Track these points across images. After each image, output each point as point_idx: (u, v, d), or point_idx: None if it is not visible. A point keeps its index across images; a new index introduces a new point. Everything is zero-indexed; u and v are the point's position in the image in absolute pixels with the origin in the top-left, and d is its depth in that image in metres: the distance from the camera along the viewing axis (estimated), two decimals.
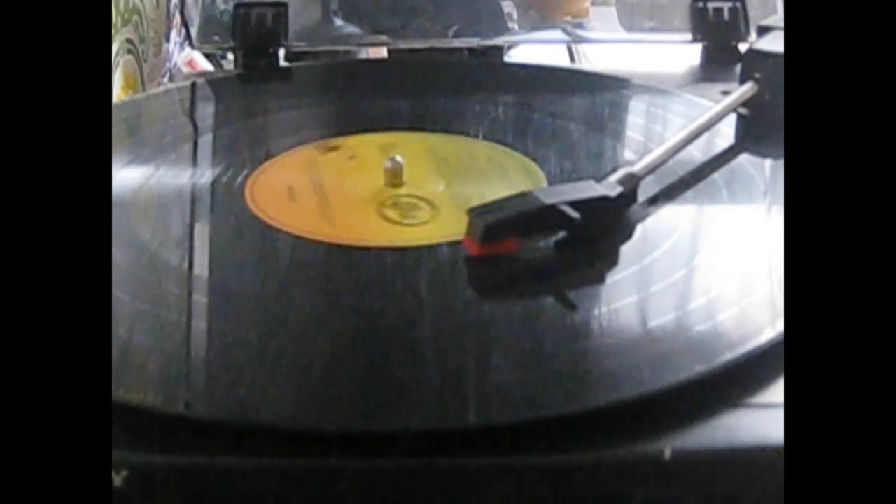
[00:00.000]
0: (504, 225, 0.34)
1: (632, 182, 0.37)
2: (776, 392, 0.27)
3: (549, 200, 0.34)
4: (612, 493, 0.25)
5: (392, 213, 0.38)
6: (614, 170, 0.37)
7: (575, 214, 0.34)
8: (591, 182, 0.36)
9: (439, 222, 0.38)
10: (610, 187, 0.36)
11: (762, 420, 0.26)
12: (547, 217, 0.34)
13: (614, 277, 0.34)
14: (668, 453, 0.25)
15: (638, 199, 0.37)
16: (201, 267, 0.35)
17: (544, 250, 0.35)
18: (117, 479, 0.24)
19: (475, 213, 0.34)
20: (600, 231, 0.35)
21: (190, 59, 0.69)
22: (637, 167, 0.37)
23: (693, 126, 0.41)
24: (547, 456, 0.25)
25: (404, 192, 0.40)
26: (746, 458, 0.26)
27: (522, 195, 0.35)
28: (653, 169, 0.38)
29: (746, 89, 0.45)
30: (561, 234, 0.35)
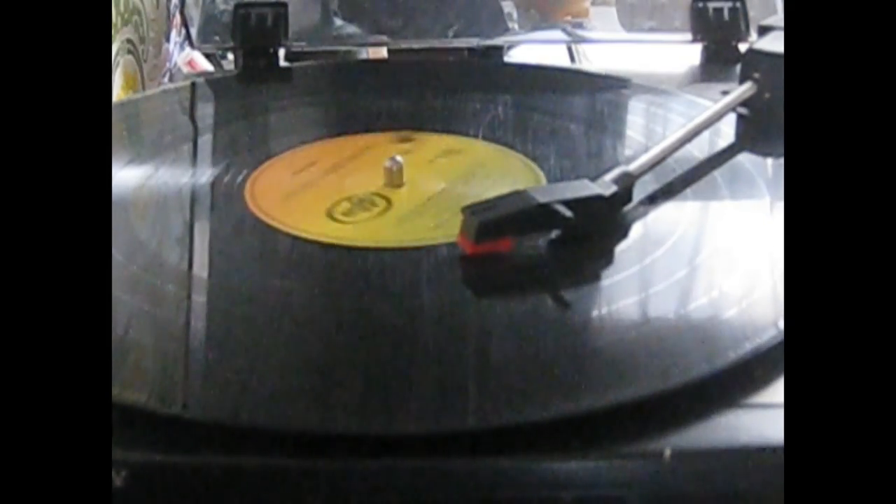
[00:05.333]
0: (498, 223, 0.34)
1: (627, 181, 0.37)
2: (776, 392, 0.27)
3: (543, 199, 0.34)
4: (611, 493, 0.25)
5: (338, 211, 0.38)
6: (610, 169, 0.37)
7: (568, 213, 0.34)
8: (586, 181, 0.36)
9: (378, 223, 0.38)
10: (604, 186, 0.36)
11: (762, 420, 0.26)
12: (541, 216, 0.34)
13: (612, 278, 0.33)
14: (668, 453, 0.25)
15: (633, 199, 0.37)
16: (200, 267, 0.35)
17: (542, 251, 0.35)
18: (117, 479, 0.24)
19: (469, 211, 0.34)
20: (594, 230, 0.35)
21: (190, 59, 0.68)
22: (632, 166, 0.37)
23: (690, 126, 0.41)
24: (547, 457, 0.25)
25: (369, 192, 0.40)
26: (746, 458, 0.26)
27: (517, 194, 0.35)
28: (649, 168, 0.38)
29: (745, 89, 0.45)
30: (555, 233, 0.35)
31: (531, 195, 0.35)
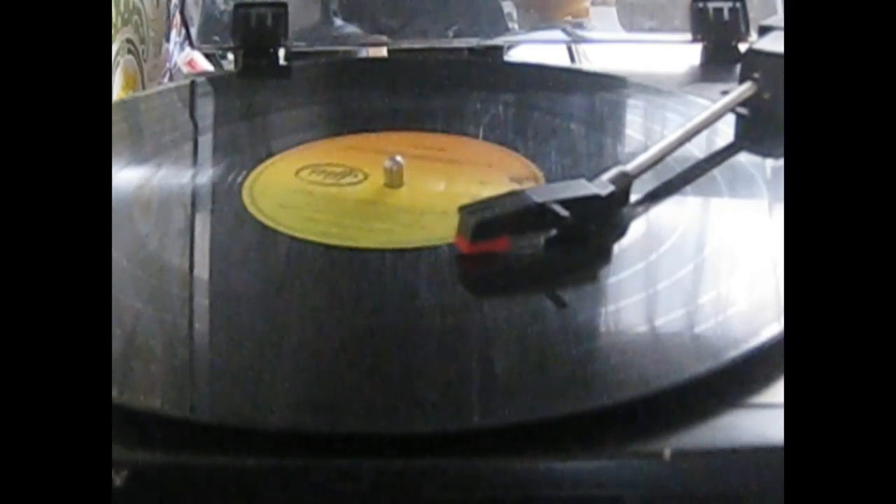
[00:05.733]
0: (494, 223, 0.34)
1: (624, 181, 0.37)
2: (776, 392, 0.27)
3: (539, 199, 0.34)
4: (611, 493, 0.25)
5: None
6: (607, 168, 0.37)
7: (564, 213, 0.34)
8: (583, 181, 0.36)
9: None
10: (601, 186, 0.36)
11: (762, 420, 0.26)
12: (537, 215, 0.34)
13: (612, 278, 0.34)
14: (667, 453, 0.25)
15: (631, 199, 0.37)
16: (199, 268, 0.35)
17: (541, 252, 0.35)
18: (117, 479, 0.24)
19: (466, 210, 0.34)
20: (591, 230, 0.35)
21: (190, 59, 0.68)
22: (630, 166, 0.37)
23: (688, 126, 0.41)
24: (547, 457, 0.25)
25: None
26: (746, 458, 0.26)
27: (514, 193, 0.35)
28: (646, 168, 0.38)
29: (744, 89, 0.45)
30: (552, 233, 0.35)
31: (528, 195, 0.35)
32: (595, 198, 0.35)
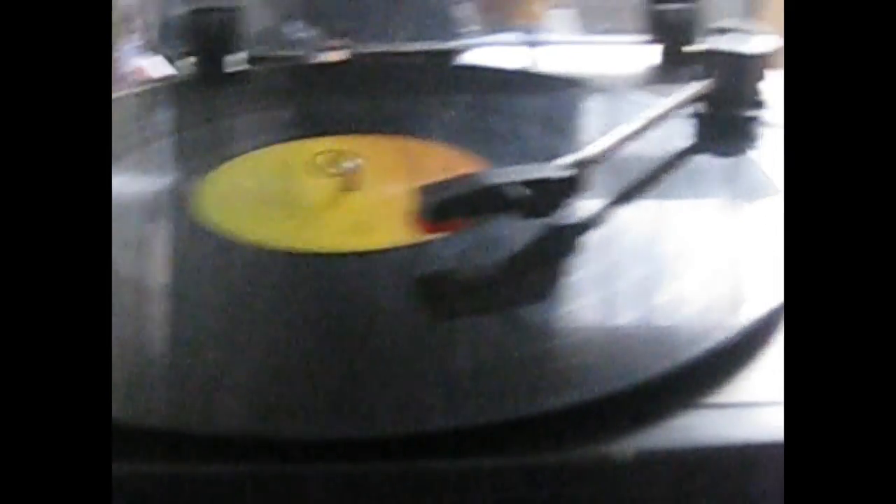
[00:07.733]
0: (453, 203, 0.34)
1: (582, 165, 0.37)
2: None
3: (498, 180, 0.35)
4: (584, 492, 0.26)
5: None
6: (566, 154, 0.37)
7: (524, 192, 0.34)
8: (542, 164, 0.37)
9: None
10: (559, 169, 0.36)
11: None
12: (495, 196, 0.34)
13: (575, 276, 0.34)
14: (630, 454, 0.25)
15: (598, 200, 0.38)
16: (153, 276, 0.35)
17: (504, 253, 0.35)
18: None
19: (425, 190, 0.34)
20: (549, 212, 0.36)
21: (140, 67, 0.67)
22: (587, 152, 0.38)
23: (648, 116, 0.42)
24: (515, 457, 0.26)
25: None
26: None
27: (472, 175, 0.35)
28: (604, 153, 0.39)
29: (702, 85, 0.46)
30: (514, 215, 0.35)
31: (487, 176, 0.35)
32: (554, 180, 0.36)
